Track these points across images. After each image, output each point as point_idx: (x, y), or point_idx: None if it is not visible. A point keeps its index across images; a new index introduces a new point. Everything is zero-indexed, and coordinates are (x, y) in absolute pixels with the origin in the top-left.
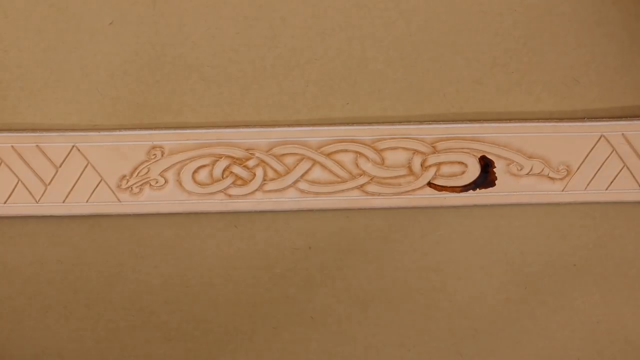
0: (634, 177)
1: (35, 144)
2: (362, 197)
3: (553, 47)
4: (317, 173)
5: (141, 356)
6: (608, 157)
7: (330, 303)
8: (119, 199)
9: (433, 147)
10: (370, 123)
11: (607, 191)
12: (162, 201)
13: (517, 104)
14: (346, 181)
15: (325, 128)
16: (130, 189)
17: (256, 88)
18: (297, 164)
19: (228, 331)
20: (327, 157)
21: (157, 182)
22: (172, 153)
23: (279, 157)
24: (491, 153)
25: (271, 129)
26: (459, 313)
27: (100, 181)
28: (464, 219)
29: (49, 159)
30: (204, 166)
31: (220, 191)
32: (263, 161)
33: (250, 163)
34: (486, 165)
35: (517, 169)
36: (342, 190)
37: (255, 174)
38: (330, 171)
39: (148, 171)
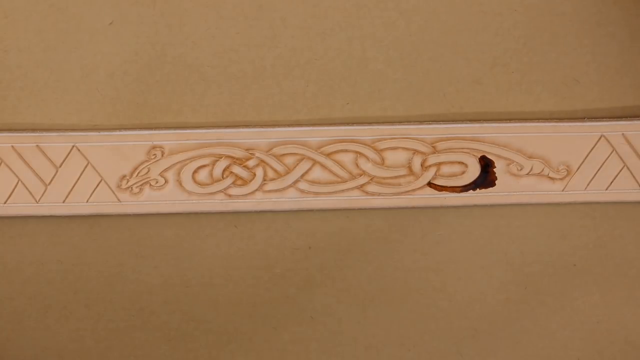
0: (634, 177)
1: (35, 144)
2: (362, 197)
3: (553, 47)
4: (317, 173)
5: (141, 356)
6: (608, 157)
7: (330, 303)
8: (119, 199)
9: (433, 147)
10: (370, 123)
11: (607, 191)
12: (162, 201)
13: (517, 104)
14: (346, 181)
15: (325, 128)
16: (130, 189)
17: (256, 88)
18: (297, 164)
19: (228, 331)
20: (327, 157)
21: (157, 182)
22: (172, 153)
23: (279, 157)
24: (491, 153)
25: (271, 129)
26: (459, 313)
27: (100, 181)
28: (464, 219)
29: (49, 159)
30: (204, 166)
31: (220, 191)
32: (263, 161)
33: (250, 163)
34: (486, 165)
35: (517, 169)
36: (342, 190)
37: (255, 174)
38: (330, 171)
39: (148, 171)
